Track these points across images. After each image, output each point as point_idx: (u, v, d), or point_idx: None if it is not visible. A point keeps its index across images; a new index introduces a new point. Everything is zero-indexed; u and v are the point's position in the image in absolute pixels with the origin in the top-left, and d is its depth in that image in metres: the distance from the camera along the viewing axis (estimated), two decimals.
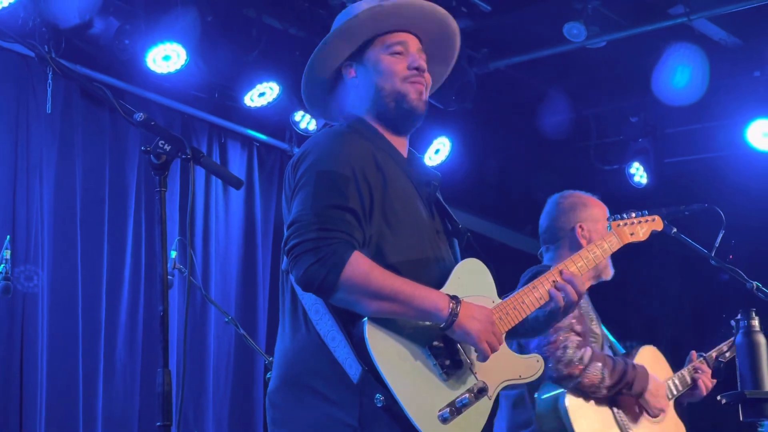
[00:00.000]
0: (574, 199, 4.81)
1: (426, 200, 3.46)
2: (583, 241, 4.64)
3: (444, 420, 3.16)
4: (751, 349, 4.09)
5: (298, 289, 3.26)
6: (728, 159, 8.44)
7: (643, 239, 4.09)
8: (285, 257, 3.25)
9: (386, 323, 3.16)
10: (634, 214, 4.08)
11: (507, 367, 3.36)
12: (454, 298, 3.22)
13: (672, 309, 9.37)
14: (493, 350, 3.25)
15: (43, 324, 6.26)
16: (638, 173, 8.67)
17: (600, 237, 4.06)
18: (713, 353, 4.86)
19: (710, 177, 8.44)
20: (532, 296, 3.46)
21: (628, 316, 9.91)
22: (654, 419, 4.61)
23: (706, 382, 4.78)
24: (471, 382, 3.26)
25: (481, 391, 3.25)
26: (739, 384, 4.09)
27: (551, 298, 3.44)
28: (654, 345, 4.88)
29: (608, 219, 4.04)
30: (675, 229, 4.49)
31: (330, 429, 3.15)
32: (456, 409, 3.19)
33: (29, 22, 6.19)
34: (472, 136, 8.53)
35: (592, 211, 4.75)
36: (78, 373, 6.38)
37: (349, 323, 3.17)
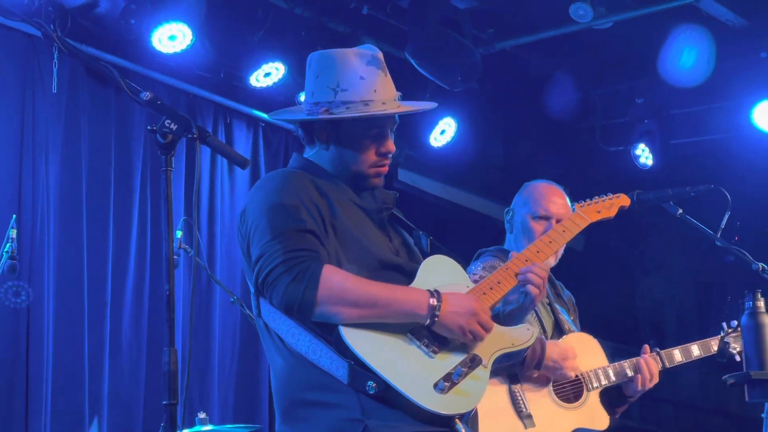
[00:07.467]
0: (525, 188, 4.70)
1: (379, 225, 3.45)
2: (510, 226, 4.62)
3: (441, 390, 3.17)
4: (756, 331, 4.08)
5: (270, 322, 3.28)
6: (734, 140, 8.42)
7: (611, 216, 4.09)
8: (255, 297, 3.30)
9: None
10: (597, 197, 4.10)
11: (498, 338, 3.36)
12: (434, 293, 3.23)
13: (677, 290, 9.37)
14: (479, 337, 3.26)
15: (49, 303, 6.28)
16: (644, 154, 8.65)
17: (519, 223, 4.28)
18: (674, 351, 4.67)
19: (716, 158, 8.43)
20: (507, 275, 3.49)
21: (634, 298, 9.92)
22: (569, 405, 4.39)
23: (645, 380, 4.50)
24: (462, 355, 3.26)
25: (474, 361, 3.26)
26: (744, 365, 4.10)
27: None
28: (660, 327, 4.82)
29: (572, 204, 4.04)
30: (681, 211, 4.49)
31: (341, 430, 3.17)
32: (452, 381, 3.19)
33: (35, 1, 6.18)
34: (478, 117, 8.51)
35: (520, 197, 4.64)
36: (84, 352, 6.40)
37: (326, 332, 3.19)
